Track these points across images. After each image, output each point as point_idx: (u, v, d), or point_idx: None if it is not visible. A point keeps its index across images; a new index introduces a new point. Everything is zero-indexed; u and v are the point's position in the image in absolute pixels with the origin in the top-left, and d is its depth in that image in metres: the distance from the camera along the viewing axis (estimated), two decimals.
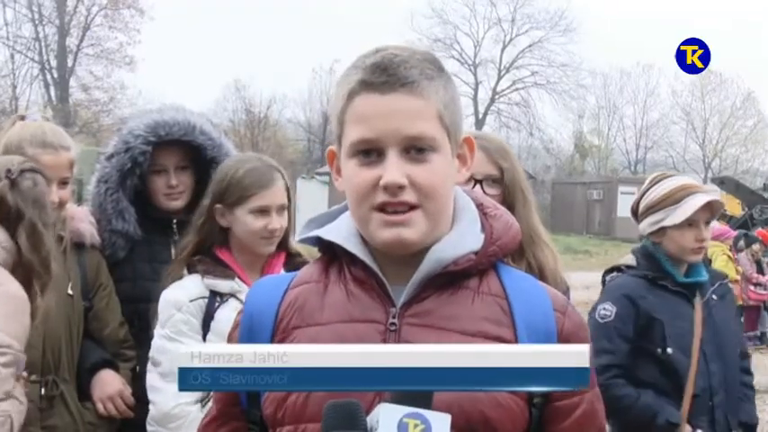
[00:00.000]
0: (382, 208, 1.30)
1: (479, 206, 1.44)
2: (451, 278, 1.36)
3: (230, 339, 1.46)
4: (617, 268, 3.19)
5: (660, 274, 3.04)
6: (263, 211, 2.50)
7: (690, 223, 2.97)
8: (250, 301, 1.45)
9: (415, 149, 1.30)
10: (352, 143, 1.32)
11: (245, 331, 1.41)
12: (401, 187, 1.29)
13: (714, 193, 3.19)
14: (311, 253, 1.70)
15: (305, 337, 1.35)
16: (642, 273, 3.06)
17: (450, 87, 1.37)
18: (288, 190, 2.59)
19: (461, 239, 1.37)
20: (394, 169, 1.28)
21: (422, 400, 1.17)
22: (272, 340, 1.38)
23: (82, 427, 2.66)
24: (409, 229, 1.31)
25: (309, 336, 1.34)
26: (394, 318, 1.33)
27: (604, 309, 2.98)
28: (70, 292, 2.68)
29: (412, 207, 1.30)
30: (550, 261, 2.38)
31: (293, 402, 1.31)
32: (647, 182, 3.17)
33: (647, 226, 3.07)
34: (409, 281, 1.34)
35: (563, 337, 1.35)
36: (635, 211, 3.16)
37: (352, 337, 1.31)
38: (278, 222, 2.52)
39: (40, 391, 2.59)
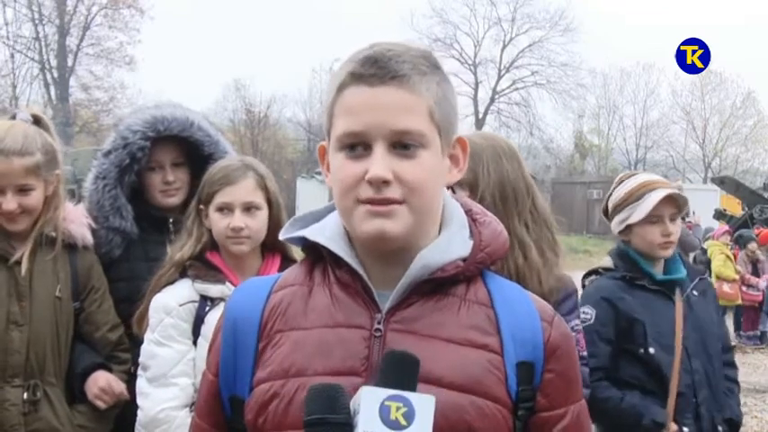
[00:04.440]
0: (366, 202, 1.29)
1: (468, 212, 1.43)
2: (438, 284, 1.35)
3: (212, 345, 1.45)
4: (595, 271, 3.19)
5: (638, 274, 3.05)
6: (227, 209, 2.47)
7: (654, 219, 2.99)
8: (232, 305, 1.43)
9: (402, 144, 1.29)
10: (338, 136, 1.31)
11: (229, 336, 1.40)
12: (386, 182, 1.27)
13: (675, 187, 3.19)
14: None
15: (288, 341, 1.33)
16: (620, 274, 3.07)
17: (444, 85, 1.35)
18: (267, 191, 2.53)
19: (449, 245, 1.36)
20: (379, 164, 1.27)
21: (406, 382, 1.17)
22: (257, 344, 1.36)
23: (71, 430, 2.64)
24: (391, 221, 1.29)
25: (293, 340, 1.33)
26: (379, 323, 1.32)
27: (584, 312, 2.96)
28: (58, 294, 2.65)
29: (396, 202, 1.29)
30: (534, 265, 2.31)
31: (275, 409, 1.30)
32: (615, 183, 3.20)
33: (615, 225, 3.10)
34: (394, 285, 1.33)
35: (549, 347, 1.35)
36: (606, 213, 3.18)
37: (336, 343, 1.30)
38: (241, 221, 2.45)
39: (23, 395, 2.56)
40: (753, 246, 12.64)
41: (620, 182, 3.16)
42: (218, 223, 2.47)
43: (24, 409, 2.56)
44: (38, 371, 2.60)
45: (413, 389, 1.17)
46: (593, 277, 3.17)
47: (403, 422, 1.15)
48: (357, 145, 1.29)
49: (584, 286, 3.19)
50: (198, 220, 2.53)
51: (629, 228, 3.05)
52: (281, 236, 1.46)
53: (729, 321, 12.65)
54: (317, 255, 1.40)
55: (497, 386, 1.30)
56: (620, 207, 3.07)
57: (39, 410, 2.59)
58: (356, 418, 1.16)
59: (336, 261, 1.36)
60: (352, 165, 1.29)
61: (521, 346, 1.32)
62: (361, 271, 1.34)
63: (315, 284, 1.38)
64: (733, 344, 11.74)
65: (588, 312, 2.97)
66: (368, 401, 1.15)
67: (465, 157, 1.41)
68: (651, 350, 2.95)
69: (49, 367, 2.62)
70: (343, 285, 1.35)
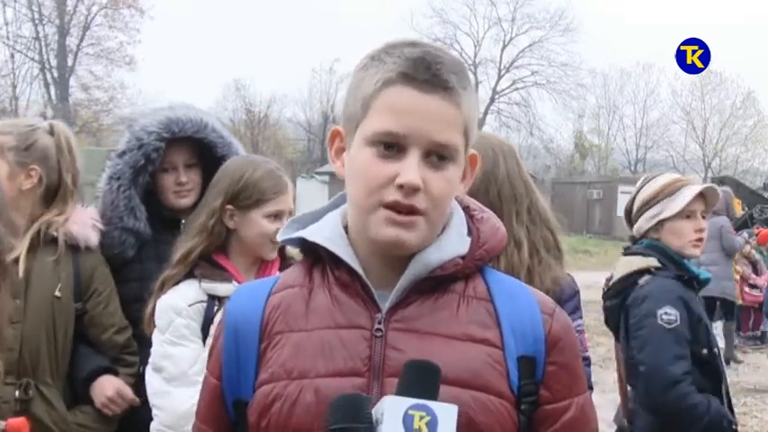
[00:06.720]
0: (390, 206, 1.28)
1: (465, 209, 1.43)
2: (437, 282, 1.34)
3: (212, 349, 1.44)
4: (647, 270, 3.01)
5: (689, 274, 3.00)
6: (278, 216, 2.49)
7: (688, 215, 2.97)
8: (232, 309, 1.42)
9: (437, 156, 1.29)
10: (375, 132, 1.29)
11: (231, 339, 1.39)
12: (416, 190, 1.27)
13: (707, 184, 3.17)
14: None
15: (289, 342, 1.33)
16: (675, 274, 2.99)
17: (476, 101, 1.36)
18: None
19: (448, 244, 1.36)
20: (414, 171, 1.27)
21: (428, 391, 1.17)
22: (259, 346, 1.36)
23: (68, 429, 2.63)
24: (411, 232, 1.29)
25: (294, 342, 1.33)
26: (380, 323, 1.31)
27: (667, 314, 2.87)
28: (58, 293, 2.64)
29: (419, 212, 1.29)
30: (526, 263, 2.30)
31: (278, 411, 1.29)
32: (640, 182, 3.16)
33: (644, 222, 3.04)
34: (394, 285, 1.32)
35: (551, 340, 1.35)
36: (629, 212, 3.14)
37: (338, 344, 1.30)
38: None
39: (15, 393, 2.55)
40: (746, 249, 12.52)
41: (648, 181, 3.11)
42: (267, 228, 2.48)
43: (16, 408, 2.54)
44: (31, 369, 2.59)
45: (435, 398, 1.17)
46: (647, 277, 3.00)
47: (426, 431, 1.15)
48: (391, 145, 1.28)
49: (633, 285, 3.03)
50: (220, 219, 2.51)
51: (660, 224, 3.00)
52: (280, 237, 1.46)
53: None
54: (315, 256, 1.39)
55: (499, 380, 1.30)
56: (651, 202, 3.01)
57: (30, 409, 2.57)
58: (379, 428, 1.15)
59: (335, 261, 1.35)
60: (383, 165, 1.28)
61: (521, 339, 1.33)
62: (360, 271, 1.33)
63: (315, 286, 1.37)
64: (735, 343, 11.76)
65: (672, 313, 2.87)
66: (391, 411, 1.15)
67: (473, 173, 1.41)
68: (715, 350, 2.93)
69: (44, 366, 2.61)
70: (342, 286, 1.35)
